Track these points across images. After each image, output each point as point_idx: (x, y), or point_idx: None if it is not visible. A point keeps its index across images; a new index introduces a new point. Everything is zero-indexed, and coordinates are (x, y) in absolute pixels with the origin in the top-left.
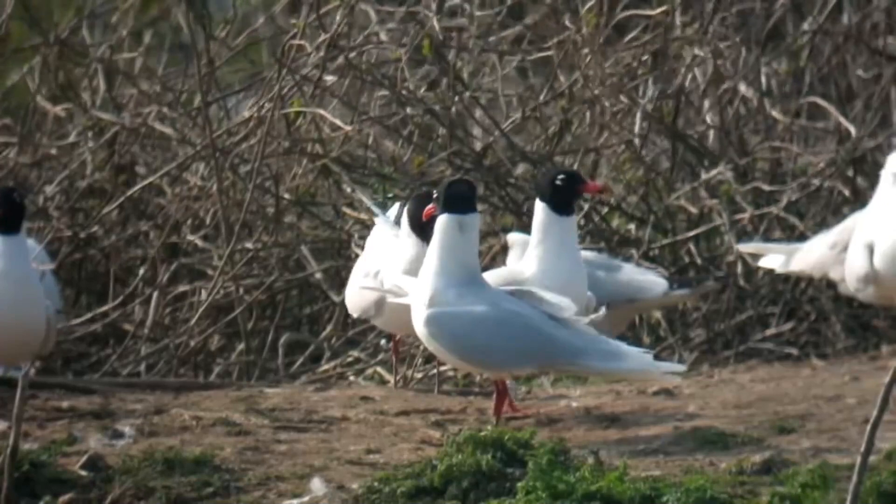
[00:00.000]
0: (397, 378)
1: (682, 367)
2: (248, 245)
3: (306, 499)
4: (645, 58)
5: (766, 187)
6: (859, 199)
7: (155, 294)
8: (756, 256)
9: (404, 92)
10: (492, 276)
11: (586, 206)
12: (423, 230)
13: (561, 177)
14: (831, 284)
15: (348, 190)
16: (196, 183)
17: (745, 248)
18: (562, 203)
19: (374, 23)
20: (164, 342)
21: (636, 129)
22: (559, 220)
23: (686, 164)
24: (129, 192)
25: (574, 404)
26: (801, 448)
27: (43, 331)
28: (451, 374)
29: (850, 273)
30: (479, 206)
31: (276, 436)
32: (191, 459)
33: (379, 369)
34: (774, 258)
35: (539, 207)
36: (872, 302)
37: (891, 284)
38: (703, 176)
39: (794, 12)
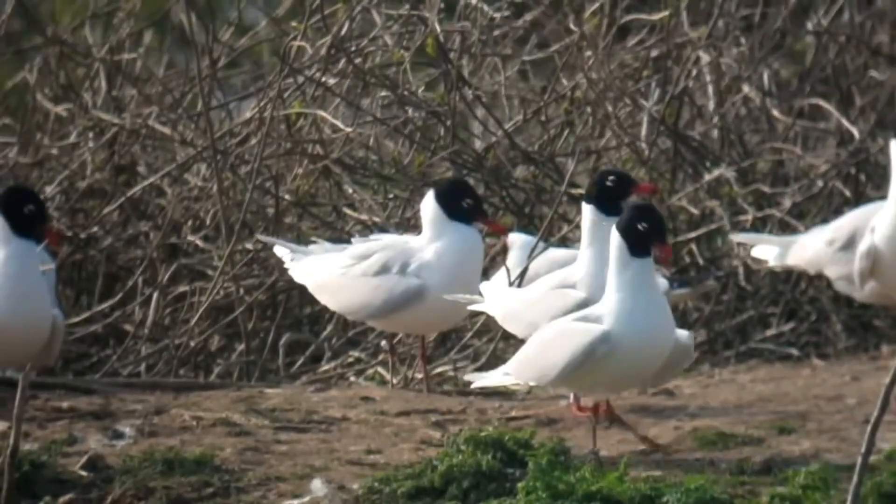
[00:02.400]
0: (396, 379)
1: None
2: (249, 245)
3: (306, 499)
4: (648, 61)
5: (768, 189)
6: (861, 201)
7: (155, 294)
8: (753, 250)
9: (406, 93)
10: (544, 282)
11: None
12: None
13: (612, 178)
14: (831, 284)
15: (349, 190)
16: (196, 183)
17: (739, 237)
18: (611, 204)
19: (378, 27)
20: (165, 342)
21: (643, 133)
22: (608, 221)
23: (688, 164)
24: (130, 193)
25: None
26: (801, 448)
27: (47, 333)
28: (451, 374)
29: (856, 261)
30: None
31: (276, 436)
32: (191, 460)
33: (379, 369)
34: (768, 250)
35: (586, 210)
36: (871, 300)
37: (891, 270)
38: (705, 177)
39: (797, 14)
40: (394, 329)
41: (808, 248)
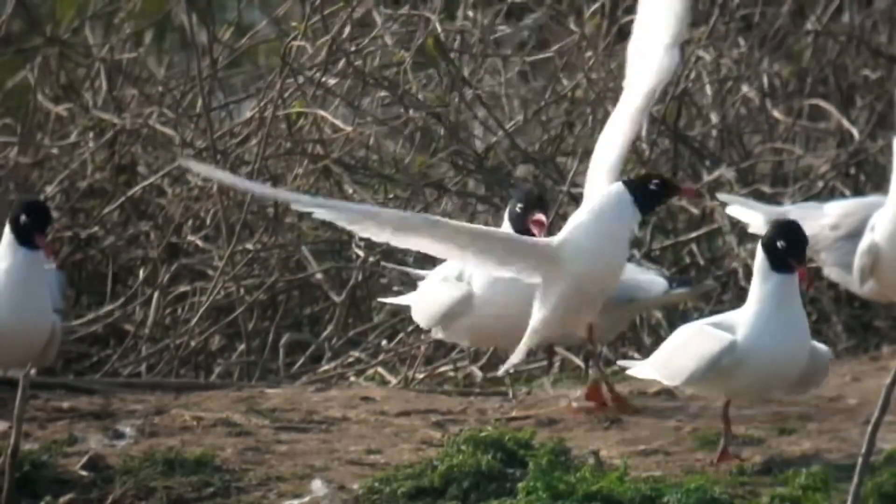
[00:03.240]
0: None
1: None
2: (249, 246)
3: (307, 499)
4: None
5: (768, 189)
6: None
7: (155, 294)
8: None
9: (407, 93)
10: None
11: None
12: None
13: (656, 182)
14: (832, 284)
15: (349, 191)
16: (197, 183)
17: (723, 197)
18: (647, 206)
19: (378, 27)
20: (165, 342)
21: (642, 132)
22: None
23: (688, 164)
24: (130, 193)
25: (574, 405)
26: (801, 448)
27: (45, 338)
28: (451, 374)
29: (856, 258)
30: (480, 207)
31: (276, 436)
32: (191, 460)
33: (380, 370)
34: (750, 214)
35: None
36: (868, 297)
37: (890, 269)
38: (705, 177)
39: (796, 13)
40: (458, 339)
41: (806, 227)
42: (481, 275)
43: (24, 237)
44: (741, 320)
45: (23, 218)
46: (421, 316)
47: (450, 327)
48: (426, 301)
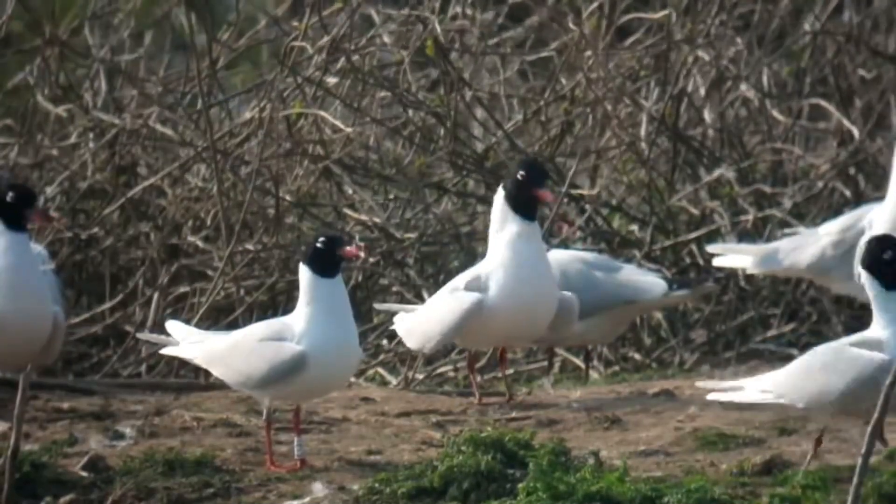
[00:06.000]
0: (479, 395)
1: None
2: (249, 246)
3: (307, 499)
4: (647, 60)
5: (768, 189)
6: (860, 200)
7: (155, 295)
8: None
9: (406, 94)
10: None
11: (588, 208)
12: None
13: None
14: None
15: (349, 191)
16: (197, 184)
17: (713, 248)
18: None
19: (377, 25)
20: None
21: (642, 132)
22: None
23: (687, 165)
24: (130, 194)
25: (574, 405)
26: (801, 449)
27: (48, 327)
28: (451, 374)
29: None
30: (480, 207)
31: (276, 437)
32: (191, 460)
33: (380, 370)
34: (740, 259)
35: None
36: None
37: None
38: (705, 177)
39: (795, 13)
40: (468, 345)
41: (807, 253)
42: (497, 280)
43: (15, 218)
44: (883, 337)
45: (10, 195)
46: (423, 334)
47: (465, 333)
48: (437, 313)
